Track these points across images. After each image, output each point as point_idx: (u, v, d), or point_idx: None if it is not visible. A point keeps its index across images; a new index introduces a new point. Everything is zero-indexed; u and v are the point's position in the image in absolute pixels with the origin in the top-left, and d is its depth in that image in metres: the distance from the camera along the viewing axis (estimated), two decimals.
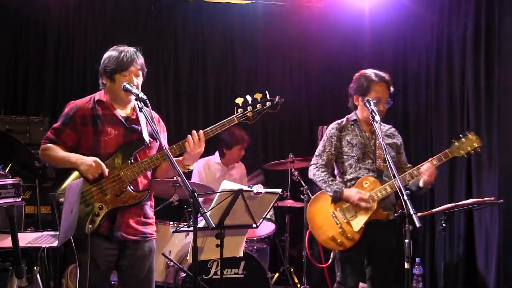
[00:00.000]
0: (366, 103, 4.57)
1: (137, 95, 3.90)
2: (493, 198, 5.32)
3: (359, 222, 4.69)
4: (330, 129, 4.97)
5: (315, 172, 4.89)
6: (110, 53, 4.12)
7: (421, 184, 4.66)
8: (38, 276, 3.49)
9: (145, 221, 4.21)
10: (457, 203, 5.18)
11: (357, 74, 4.98)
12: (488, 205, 5.34)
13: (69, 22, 7.83)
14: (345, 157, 4.88)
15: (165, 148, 3.77)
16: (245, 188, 4.14)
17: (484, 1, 6.24)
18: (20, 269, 3.12)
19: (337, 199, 4.76)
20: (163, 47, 8.13)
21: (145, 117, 3.89)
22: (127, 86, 3.99)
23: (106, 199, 3.95)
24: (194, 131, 4.06)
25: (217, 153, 7.24)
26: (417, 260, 6.40)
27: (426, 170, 4.61)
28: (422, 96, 7.45)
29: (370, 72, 4.89)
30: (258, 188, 4.17)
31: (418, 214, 3.69)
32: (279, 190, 4.38)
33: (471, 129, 6.25)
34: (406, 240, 3.79)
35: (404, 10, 7.59)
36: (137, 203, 4.06)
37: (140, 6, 8.09)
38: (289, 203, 6.85)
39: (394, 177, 4.08)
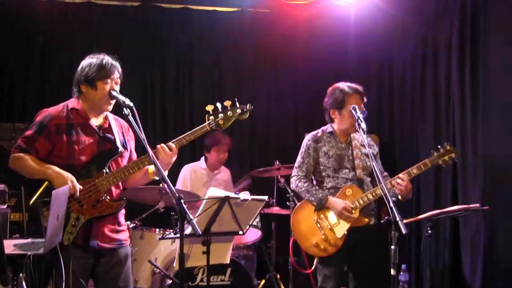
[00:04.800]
0: (352, 111, 4.67)
1: (123, 102, 3.89)
2: (478, 205, 5.35)
3: (342, 229, 4.81)
4: (307, 140, 5.11)
5: (297, 184, 5.04)
6: (90, 60, 4.08)
7: (399, 197, 4.77)
8: (23, 283, 3.47)
9: (119, 229, 4.19)
10: (442, 210, 5.22)
11: (330, 88, 5.14)
12: (473, 211, 5.38)
13: (55, 29, 7.82)
14: (321, 167, 5.02)
15: (151, 154, 3.76)
16: (232, 195, 4.15)
17: (469, 8, 6.28)
18: (6, 277, 3.10)
19: (321, 206, 4.87)
20: (149, 54, 8.12)
21: (132, 124, 3.86)
22: (114, 93, 3.98)
23: (82, 209, 3.91)
24: (158, 146, 4.04)
25: (202, 158, 7.28)
26: (403, 266, 6.41)
27: (399, 184, 4.72)
28: (408, 103, 7.50)
29: (344, 85, 5.05)
30: (245, 195, 4.18)
31: (404, 221, 3.72)
32: (265, 197, 4.40)
33: (456, 135, 6.32)
34: (392, 247, 3.82)
35: (390, 17, 7.63)
36: (114, 212, 4.04)
37: (127, 14, 8.08)
38: (275, 210, 6.85)
39: (380, 183, 4.16)
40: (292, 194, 6.55)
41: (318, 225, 4.88)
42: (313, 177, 5.12)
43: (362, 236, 4.85)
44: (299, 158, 5.11)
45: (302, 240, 4.96)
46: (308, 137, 5.13)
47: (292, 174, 5.12)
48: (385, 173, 5.09)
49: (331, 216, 4.86)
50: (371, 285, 4.92)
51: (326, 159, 4.99)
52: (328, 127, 5.14)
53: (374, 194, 4.81)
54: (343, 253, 4.82)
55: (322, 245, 4.82)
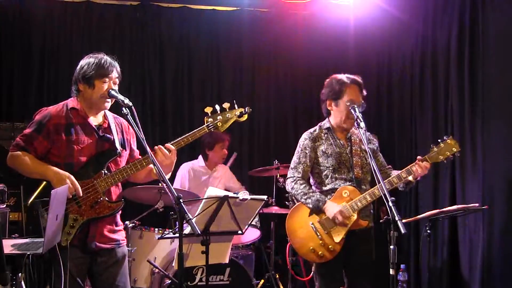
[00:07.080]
0: (351, 110, 4.55)
1: (123, 101, 3.88)
2: (477, 204, 5.35)
3: (340, 233, 4.60)
4: (303, 139, 4.89)
5: (293, 186, 4.78)
6: (88, 59, 4.09)
7: (411, 178, 4.56)
8: (23, 283, 3.47)
9: (116, 229, 4.20)
10: (441, 210, 5.21)
11: (328, 79, 4.95)
12: (472, 211, 5.37)
13: (54, 29, 7.81)
14: (320, 167, 4.81)
15: (150, 153, 3.76)
16: (231, 194, 4.15)
17: (468, 8, 6.29)
18: (5, 276, 3.10)
19: (318, 210, 4.66)
20: (148, 53, 8.11)
21: (131, 124, 3.85)
22: (113, 92, 3.98)
23: (80, 210, 3.91)
24: (156, 147, 4.06)
25: (200, 157, 7.28)
26: (402, 266, 6.41)
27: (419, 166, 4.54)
28: (407, 102, 7.50)
29: (342, 75, 4.86)
30: (244, 195, 4.17)
31: (403, 221, 3.69)
32: (265, 197, 4.38)
33: (455, 135, 6.31)
34: (391, 246, 3.79)
35: (389, 17, 7.64)
36: (111, 214, 4.04)
37: (125, 14, 8.08)
38: (274, 209, 6.83)
39: (379, 182, 4.06)
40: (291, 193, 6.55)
41: (315, 229, 4.65)
42: (311, 178, 4.92)
43: (359, 239, 4.69)
44: (295, 158, 4.88)
45: (299, 246, 4.72)
46: (304, 136, 4.90)
47: (288, 176, 4.89)
48: (388, 166, 4.95)
49: (328, 220, 4.62)
50: (364, 283, 4.79)
51: (324, 158, 4.77)
52: (325, 122, 4.92)
53: (372, 195, 4.58)
54: (341, 257, 4.64)
55: (320, 250, 4.60)
